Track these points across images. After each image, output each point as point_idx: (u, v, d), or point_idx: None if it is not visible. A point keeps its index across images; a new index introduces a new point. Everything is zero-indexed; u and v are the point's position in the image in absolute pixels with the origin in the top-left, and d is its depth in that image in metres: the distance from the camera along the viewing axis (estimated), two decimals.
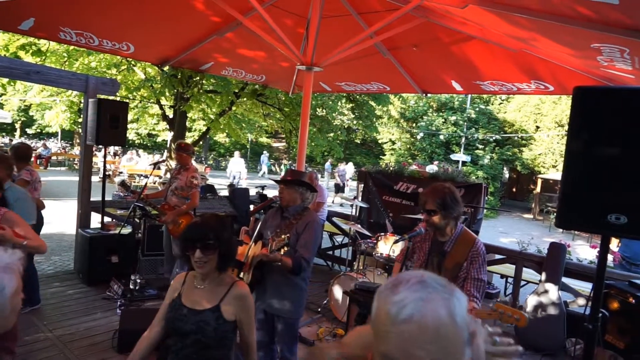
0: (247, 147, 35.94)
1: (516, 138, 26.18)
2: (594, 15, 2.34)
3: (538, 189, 23.73)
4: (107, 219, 5.99)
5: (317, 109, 17.07)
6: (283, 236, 2.84)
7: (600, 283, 1.87)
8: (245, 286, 2.17)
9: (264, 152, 31.99)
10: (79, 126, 19.05)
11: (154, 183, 14.81)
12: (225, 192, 8.88)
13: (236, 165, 19.28)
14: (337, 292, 4.97)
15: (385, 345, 0.84)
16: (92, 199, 5.99)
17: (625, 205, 1.69)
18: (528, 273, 5.61)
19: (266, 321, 3.22)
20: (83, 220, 5.87)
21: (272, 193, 6.27)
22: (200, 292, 2.07)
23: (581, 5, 2.26)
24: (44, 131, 27.00)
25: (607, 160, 1.71)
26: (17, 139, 28.44)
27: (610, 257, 5.90)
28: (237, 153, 20.46)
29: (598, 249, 1.97)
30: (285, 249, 2.81)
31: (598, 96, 1.76)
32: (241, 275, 3.19)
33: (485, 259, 2.63)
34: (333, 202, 17.69)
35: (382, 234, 5.36)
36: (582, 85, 1.74)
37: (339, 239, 7.69)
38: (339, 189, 20.41)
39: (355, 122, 23.24)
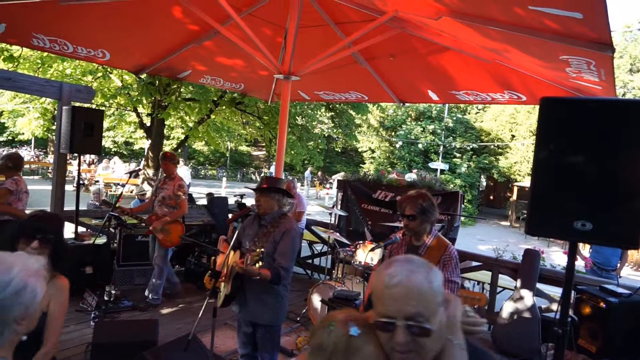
0: (227, 155, 35.72)
1: (492, 147, 26.72)
2: (561, 28, 2.42)
3: (514, 197, 24.22)
4: (81, 229, 5.85)
5: (297, 118, 17.09)
6: (258, 250, 2.83)
7: (569, 288, 1.92)
8: (65, 280, 2.23)
9: (308, 168, 27.28)
10: (53, 134, 18.57)
11: (131, 192, 14.55)
12: (203, 201, 8.79)
13: (181, 174, 16.85)
14: (316, 300, 4.95)
15: (383, 306, 1.13)
16: (65, 209, 5.85)
17: (591, 212, 1.74)
18: (504, 280, 5.71)
19: (252, 334, 3.21)
20: None
21: (250, 202, 6.23)
22: None
23: (548, 18, 2.34)
24: (16, 139, 26.27)
25: (573, 168, 1.77)
26: None
27: (582, 263, 6.05)
28: (180, 160, 18.16)
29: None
30: (260, 263, 2.80)
31: (564, 107, 1.82)
32: (219, 284, 3.16)
33: (458, 263, 2.77)
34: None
35: (361, 242, 5.38)
36: (549, 96, 1.80)
37: (318, 247, 7.69)
38: None
39: (335, 130, 23.37)
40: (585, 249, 6.19)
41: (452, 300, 1.24)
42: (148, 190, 11.91)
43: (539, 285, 5.10)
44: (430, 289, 1.12)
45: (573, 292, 4.26)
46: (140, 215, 5.35)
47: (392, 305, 1.11)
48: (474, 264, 5.87)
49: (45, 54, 10.56)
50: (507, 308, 4.91)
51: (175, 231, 5.18)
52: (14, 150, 24.80)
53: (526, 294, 4.85)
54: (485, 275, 6.02)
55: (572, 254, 1.93)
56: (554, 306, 5.12)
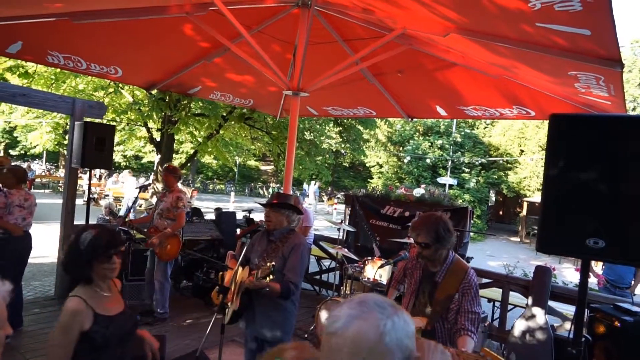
0: (235, 170, 35.89)
1: (501, 161, 26.60)
2: (569, 44, 2.43)
3: (524, 212, 23.99)
4: None
5: (305, 133, 17.18)
6: (269, 264, 2.82)
7: (582, 307, 1.89)
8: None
9: (312, 182, 26.37)
10: (64, 147, 18.81)
11: (140, 206, 14.62)
12: (212, 216, 8.80)
13: (130, 188, 14.53)
14: (324, 317, 4.90)
15: (321, 352, 0.95)
16: (76, 222, 5.89)
17: (603, 230, 1.72)
18: (515, 297, 5.62)
19: (258, 350, 3.17)
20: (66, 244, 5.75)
21: (258, 217, 6.23)
22: (110, 298, 2.23)
23: (556, 35, 2.35)
24: (28, 153, 26.66)
25: (584, 185, 1.75)
26: None
27: (594, 280, 5.94)
28: (126, 172, 16.54)
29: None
30: (271, 277, 2.78)
31: (573, 123, 1.82)
32: (228, 300, 3.15)
33: (478, 291, 2.56)
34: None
35: (369, 258, 5.34)
36: (558, 113, 1.80)
37: (326, 263, 7.64)
38: None
39: (343, 145, 23.45)
40: (597, 266, 6.07)
41: (430, 356, 1.03)
42: None
43: (551, 303, 5.01)
44: (378, 343, 0.89)
45: (586, 310, 4.18)
46: (140, 227, 5.34)
47: (328, 356, 0.92)
48: (485, 281, 5.79)
49: (59, 70, 10.78)
50: (518, 326, 4.82)
51: (172, 245, 5.14)
52: (25, 164, 25.17)
53: (538, 312, 4.77)
54: (495, 293, 5.93)
55: (585, 272, 1.91)
56: (567, 325, 5.02)
